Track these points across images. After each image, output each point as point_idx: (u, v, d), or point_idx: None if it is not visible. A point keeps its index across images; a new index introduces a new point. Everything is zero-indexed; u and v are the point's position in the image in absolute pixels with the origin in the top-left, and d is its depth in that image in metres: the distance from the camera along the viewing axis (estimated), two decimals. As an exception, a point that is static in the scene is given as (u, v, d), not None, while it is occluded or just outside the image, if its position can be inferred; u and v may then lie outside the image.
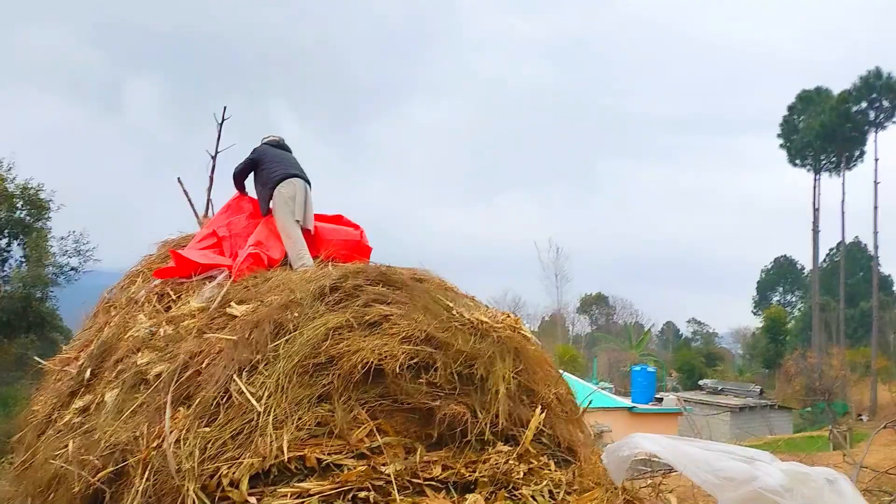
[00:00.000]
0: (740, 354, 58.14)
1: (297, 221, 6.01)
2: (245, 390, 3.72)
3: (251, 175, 6.49)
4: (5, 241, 15.20)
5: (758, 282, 63.32)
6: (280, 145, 6.61)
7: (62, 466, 4.15)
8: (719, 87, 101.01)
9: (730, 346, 61.16)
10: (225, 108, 7.76)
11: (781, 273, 64.08)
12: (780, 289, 64.83)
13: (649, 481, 4.31)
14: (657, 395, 27.73)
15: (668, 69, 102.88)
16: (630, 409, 23.75)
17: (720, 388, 34.73)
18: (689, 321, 64.65)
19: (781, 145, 48.06)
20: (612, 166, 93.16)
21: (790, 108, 48.07)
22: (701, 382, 37.44)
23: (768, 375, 44.33)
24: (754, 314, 59.71)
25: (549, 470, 3.79)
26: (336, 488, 3.37)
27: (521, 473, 3.66)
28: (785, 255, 63.60)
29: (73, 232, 15.51)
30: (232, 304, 4.76)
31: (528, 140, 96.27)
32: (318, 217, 6.42)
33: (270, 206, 6.18)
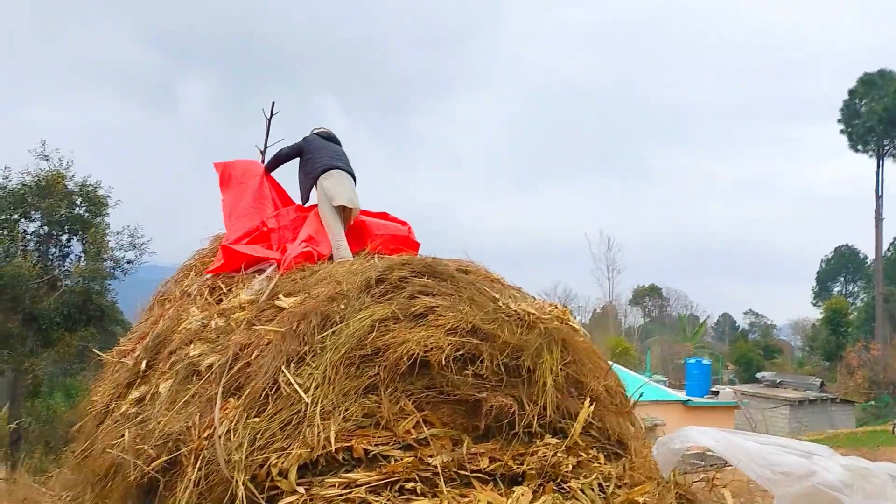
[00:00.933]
0: (799, 347, 56.53)
1: (342, 208, 6.06)
2: (293, 381, 3.76)
3: (296, 163, 6.58)
4: (65, 237, 15.69)
5: (817, 272, 61.37)
6: (329, 137, 6.64)
7: (119, 456, 4.26)
8: (772, 74, 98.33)
9: (788, 338, 59.54)
10: (273, 103, 7.83)
11: (843, 263, 61.98)
12: (842, 279, 62.71)
13: (702, 476, 4.20)
14: (713, 389, 27.16)
15: (718, 56, 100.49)
16: (685, 402, 23.31)
17: (778, 380, 33.76)
18: (746, 313, 63.20)
19: (842, 130, 46.40)
20: (663, 156, 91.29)
21: (851, 93, 46.37)
22: (758, 375, 36.48)
23: (829, 368, 42.96)
24: (814, 305, 57.88)
25: (599, 463, 3.73)
26: (383, 479, 3.38)
27: (570, 466, 3.61)
28: (846, 245, 61.48)
29: (128, 226, 15.91)
30: (280, 296, 4.81)
31: (576, 130, 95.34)
32: (364, 213, 6.45)
33: (313, 196, 6.27)
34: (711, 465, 4.65)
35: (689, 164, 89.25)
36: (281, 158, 6.61)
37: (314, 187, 6.19)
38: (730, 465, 4.01)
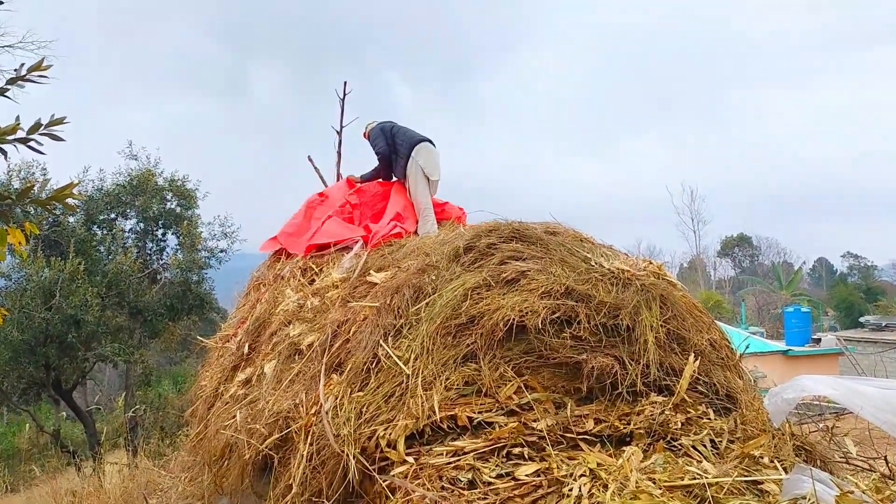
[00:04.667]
0: (905, 287, 53.59)
1: (431, 181, 6.22)
2: (392, 354, 3.80)
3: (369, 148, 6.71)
4: (161, 231, 16.37)
5: (920, 206, 57.89)
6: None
7: (232, 436, 4.43)
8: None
9: (892, 278, 56.49)
10: (346, 83, 7.90)
11: (948, 195, 58.20)
12: (948, 212, 58.95)
13: (820, 425, 4.03)
14: (814, 336, 26.09)
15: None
16: (785, 352, 22.50)
17: (884, 323, 32.22)
18: (843, 255, 60.30)
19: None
20: (743, 97, 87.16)
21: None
22: (862, 319, 34.90)
23: (940, 307, 40.59)
24: (918, 242, 54.71)
25: (709, 419, 3.63)
26: (490, 445, 3.38)
27: (679, 423, 3.52)
28: (951, 175, 57.63)
29: (219, 216, 16.47)
30: (371, 271, 4.87)
31: (650, 80, 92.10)
32: None
33: (407, 170, 6.36)
34: (831, 413, 4.46)
35: (769, 102, 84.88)
36: (386, 157, 6.59)
37: (408, 160, 6.31)
38: (846, 413, 3.84)
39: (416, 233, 5.96)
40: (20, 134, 2.47)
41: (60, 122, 2.48)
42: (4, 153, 2.47)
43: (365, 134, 6.91)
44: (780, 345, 24.02)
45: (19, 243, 2.72)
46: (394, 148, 6.45)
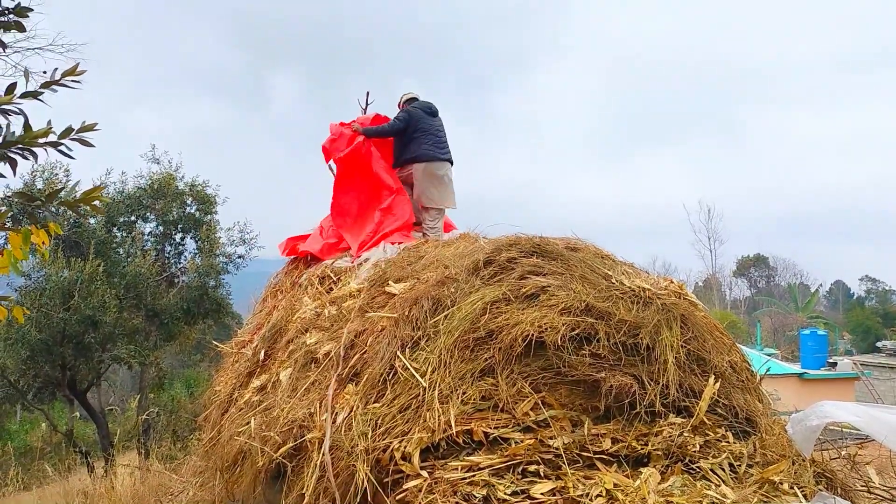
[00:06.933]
0: (924, 313, 52.85)
1: (432, 201, 6.32)
2: (409, 366, 3.79)
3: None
4: (179, 235, 16.44)
5: (941, 231, 57.20)
6: (431, 111, 6.69)
7: (246, 442, 4.43)
8: (876, 16, 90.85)
9: (910, 304, 55.76)
10: (368, 92, 7.90)
11: (970, 220, 57.46)
12: (969, 238, 58.23)
13: (843, 452, 3.97)
14: (830, 360, 25.80)
15: (816, 4, 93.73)
16: (800, 375, 22.26)
17: (902, 349, 31.81)
18: (861, 279, 59.69)
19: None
20: (761, 116, 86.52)
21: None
22: (879, 344, 34.50)
23: (959, 334, 39.99)
24: (938, 267, 54.05)
25: (728, 442, 3.58)
26: (505, 462, 3.36)
27: (697, 446, 3.48)
28: (972, 200, 56.98)
29: (238, 222, 16.52)
30: (390, 282, 4.86)
31: (663, 97, 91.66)
32: None
33: (411, 173, 6.44)
34: (852, 440, 4.39)
35: (788, 122, 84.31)
36: (386, 133, 6.64)
37: (413, 164, 6.38)
38: (868, 441, 3.78)
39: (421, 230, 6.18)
40: (52, 138, 2.51)
41: (91, 128, 2.51)
42: (35, 156, 2.50)
43: (400, 104, 6.92)
44: (795, 367, 23.77)
45: (42, 243, 2.74)
46: (408, 141, 6.47)
